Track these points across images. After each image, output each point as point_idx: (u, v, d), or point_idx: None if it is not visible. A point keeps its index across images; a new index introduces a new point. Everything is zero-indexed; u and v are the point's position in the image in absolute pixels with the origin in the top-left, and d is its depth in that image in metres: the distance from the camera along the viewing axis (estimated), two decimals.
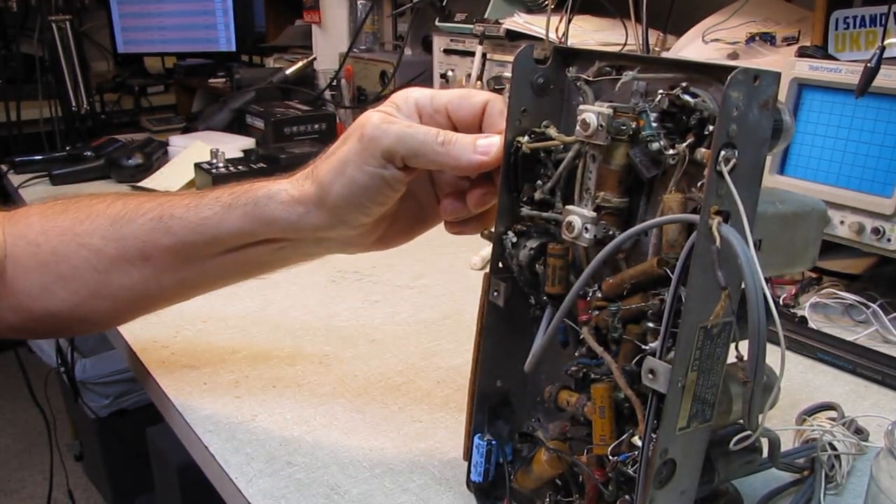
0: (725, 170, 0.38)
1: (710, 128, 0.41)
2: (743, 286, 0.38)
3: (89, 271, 0.59)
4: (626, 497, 0.44)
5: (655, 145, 0.42)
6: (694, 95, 0.42)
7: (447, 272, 0.99)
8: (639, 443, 0.42)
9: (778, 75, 0.39)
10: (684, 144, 0.41)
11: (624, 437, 0.44)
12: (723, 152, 0.38)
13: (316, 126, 1.49)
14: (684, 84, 0.42)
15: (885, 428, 0.47)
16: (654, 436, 0.41)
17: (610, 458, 0.44)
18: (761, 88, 0.39)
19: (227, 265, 0.59)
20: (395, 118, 0.52)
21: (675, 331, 0.40)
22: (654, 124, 0.43)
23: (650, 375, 0.40)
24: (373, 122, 0.51)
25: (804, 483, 0.56)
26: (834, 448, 0.57)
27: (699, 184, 0.41)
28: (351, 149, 0.52)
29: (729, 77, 0.37)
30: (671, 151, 0.42)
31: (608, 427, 0.44)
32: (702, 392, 0.42)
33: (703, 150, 0.40)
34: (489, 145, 0.50)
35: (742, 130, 0.39)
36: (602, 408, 0.44)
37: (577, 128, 0.44)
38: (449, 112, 0.52)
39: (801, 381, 0.73)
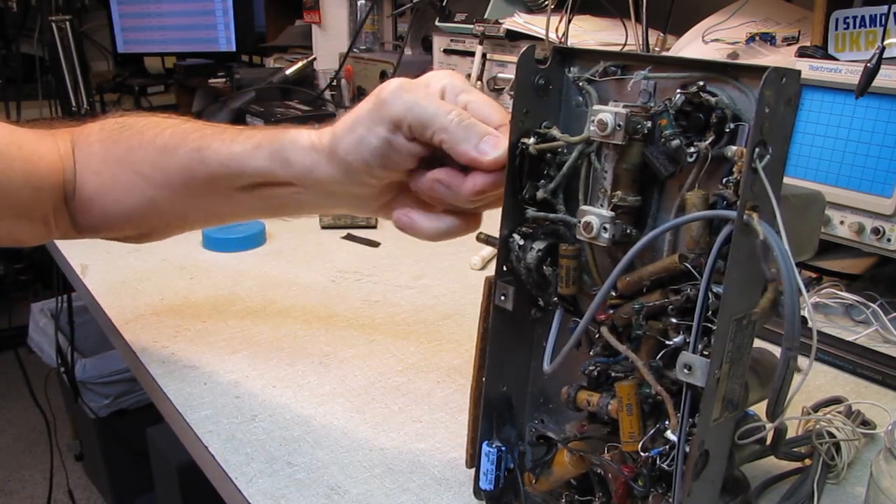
0: (760, 166, 0.39)
1: (731, 125, 0.42)
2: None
3: (139, 197, 0.65)
4: (659, 491, 0.44)
5: (675, 143, 0.43)
6: (712, 94, 0.42)
7: (447, 272, 0.99)
8: (672, 437, 0.42)
9: (799, 73, 0.40)
10: (706, 142, 0.42)
11: (651, 432, 0.44)
12: (757, 149, 0.39)
13: (316, 126, 1.49)
14: (701, 83, 0.42)
15: (886, 428, 0.47)
16: (691, 429, 0.42)
17: (641, 453, 0.44)
18: (787, 86, 0.39)
19: (253, 200, 0.64)
20: (415, 86, 0.52)
21: (704, 325, 0.41)
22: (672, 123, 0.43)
23: (686, 370, 0.41)
24: (390, 88, 0.52)
25: (803, 472, 0.56)
26: (833, 436, 0.57)
27: (724, 180, 0.41)
28: (364, 108, 0.53)
29: (764, 76, 0.38)
30: (692, 149, 0.42)
31: (636, 423, 0.45)
32: (731, 383, 0.43)
33: (734, 147, 0.41)
34: (491, 147, 0.50)
35: (772, 127, 0.39)
36: (629, 405, 0.45)
37: (593, 128, 0.44)
38: (467, 111, 0.52)
39: (799, 380, 0.73)
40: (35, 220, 0.66)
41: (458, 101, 0.52)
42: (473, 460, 0.54)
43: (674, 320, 0.43)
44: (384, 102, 0.52)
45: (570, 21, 1.14)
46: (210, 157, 0.61)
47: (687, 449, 0.42)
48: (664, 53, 1.17)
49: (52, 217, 0.67)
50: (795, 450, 0.56)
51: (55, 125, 0.70)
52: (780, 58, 1.03)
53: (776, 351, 0.40)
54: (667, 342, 0.43)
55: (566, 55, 0.50)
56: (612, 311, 0.45)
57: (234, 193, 0.63)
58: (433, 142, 0.52)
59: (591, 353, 0.48)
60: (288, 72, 1.76)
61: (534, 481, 0.52)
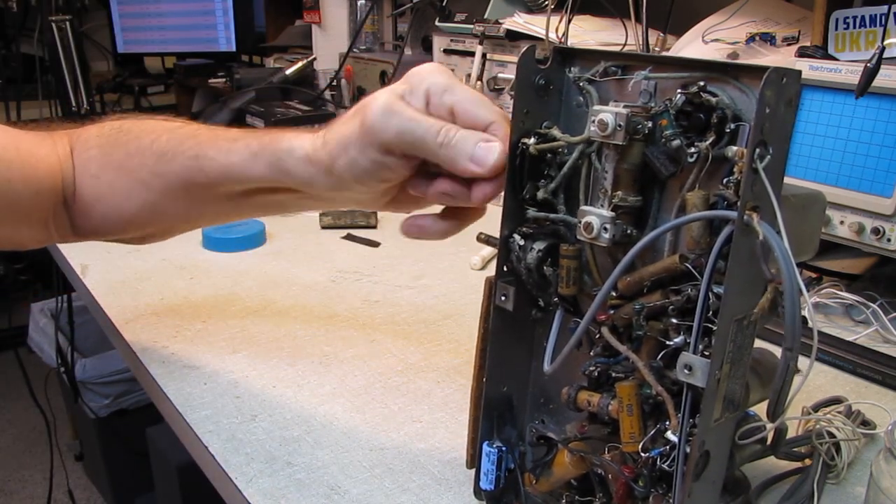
0: (760, 166, 0.39)
1: (731, 126, 0.42)
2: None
3: (139, 202, 0.66)
4: (660, 491, 0.45)
5: (676, 143, 0.43)
6: (713, 94, 0.42)
7: (447, 272, 0.99)
8: (672, 437, 0.42)
9: (800, 73, 0.40)
10: (707, 143, 0.42)
11: (652, 432, 0.44)
12: (757, 149, 0.39)
13: (316, 126, 1.49)
14: (702, 83, 0.42)
15: (886, 428, 0.47)
16: (692, 429, 0.42)
17: (642, 454, 0.44)
18: (787, 86, 0.40)
19: (255, 203, 0.65)
20: (400, 106, 0.52)
21: (704, 325, 0.41)
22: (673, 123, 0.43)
23: (686, 371, 0.41)
24: (376, 110, 0.51)
25: (803, 472, 0.56)
26: (833, 436, 0.57)
27: (724, 180, 0.42)
28: (353, 131, 0.53)
29: (765, 76, 0.38)
30: (693, 149, 0.42)
31: (637, 424, 0.45)
32: (732, 383, 0.43)
33: (734, 147, 0.41)
34: (486, 155, 0.49)
35: (772, 127, 0.39)
36: (630, 406, 0.45)
37: (594, 128, 0.44)
38: (454, 114, 0.52)
39: (800, 380, 0.73)
40: (35, 223, 0.66)
41: (444, 103, 0.51)
42: (474, 461, 0.54)
43: (674, 321, 0.43)
44: (372, 129, 0.52)
45: (570, 21, 1.14)
46: (208, 165, 0.62)
47: (687, 449, 0.42)
48: (664, 53, 1.17)
49: (52, 220, 0.67)
50: (795, 450, 0.57)
51: (53, 127, 0.70)
52: (780, 58, 1.03)
53: (777, 351, 0.40)
54: (667, 342, 0.43)
55: (566, 55, 0.50)
56: (612, 312, 0.46)
57: (235, 198, 0.64)
58: (427, 160, 0.52)
59: (591, 353, 0.48)
60: (288, 72, 1.76)
61: (534, 482, 0.52)
